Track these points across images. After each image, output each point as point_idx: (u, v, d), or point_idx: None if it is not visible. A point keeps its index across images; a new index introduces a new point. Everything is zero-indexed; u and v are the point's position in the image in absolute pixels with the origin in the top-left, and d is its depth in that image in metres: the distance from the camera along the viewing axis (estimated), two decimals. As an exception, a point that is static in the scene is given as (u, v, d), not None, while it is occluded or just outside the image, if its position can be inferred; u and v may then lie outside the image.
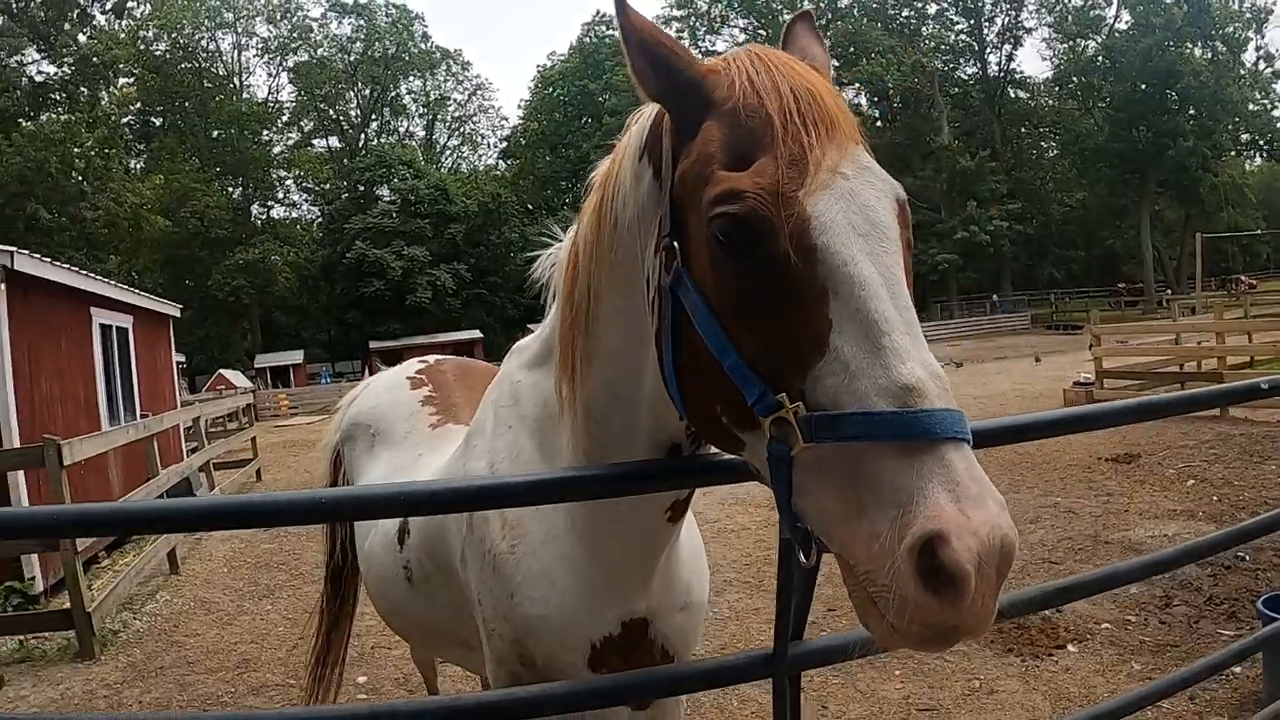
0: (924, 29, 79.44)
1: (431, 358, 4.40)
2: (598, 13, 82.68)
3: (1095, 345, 19.28)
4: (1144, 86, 68.75)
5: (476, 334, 68.71)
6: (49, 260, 12.72)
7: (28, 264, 11.26)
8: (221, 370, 53.75)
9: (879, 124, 79.59)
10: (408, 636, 3.82)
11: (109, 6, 43.41)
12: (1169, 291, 66.27)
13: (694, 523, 2.65)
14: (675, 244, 1.66)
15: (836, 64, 78.22)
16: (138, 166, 66.85)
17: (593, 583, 2.23)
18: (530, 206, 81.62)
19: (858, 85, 77.11)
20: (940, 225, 69.65)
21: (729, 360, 1.53)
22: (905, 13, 78.42)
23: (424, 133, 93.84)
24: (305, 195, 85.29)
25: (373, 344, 64.13)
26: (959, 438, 1.33)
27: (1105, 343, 19.61)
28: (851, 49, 74.65)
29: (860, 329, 1.41)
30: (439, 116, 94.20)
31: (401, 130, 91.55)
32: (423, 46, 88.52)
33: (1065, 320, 58.04)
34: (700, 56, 1.75)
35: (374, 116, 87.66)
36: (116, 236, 46.07)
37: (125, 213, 42.17)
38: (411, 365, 4.29)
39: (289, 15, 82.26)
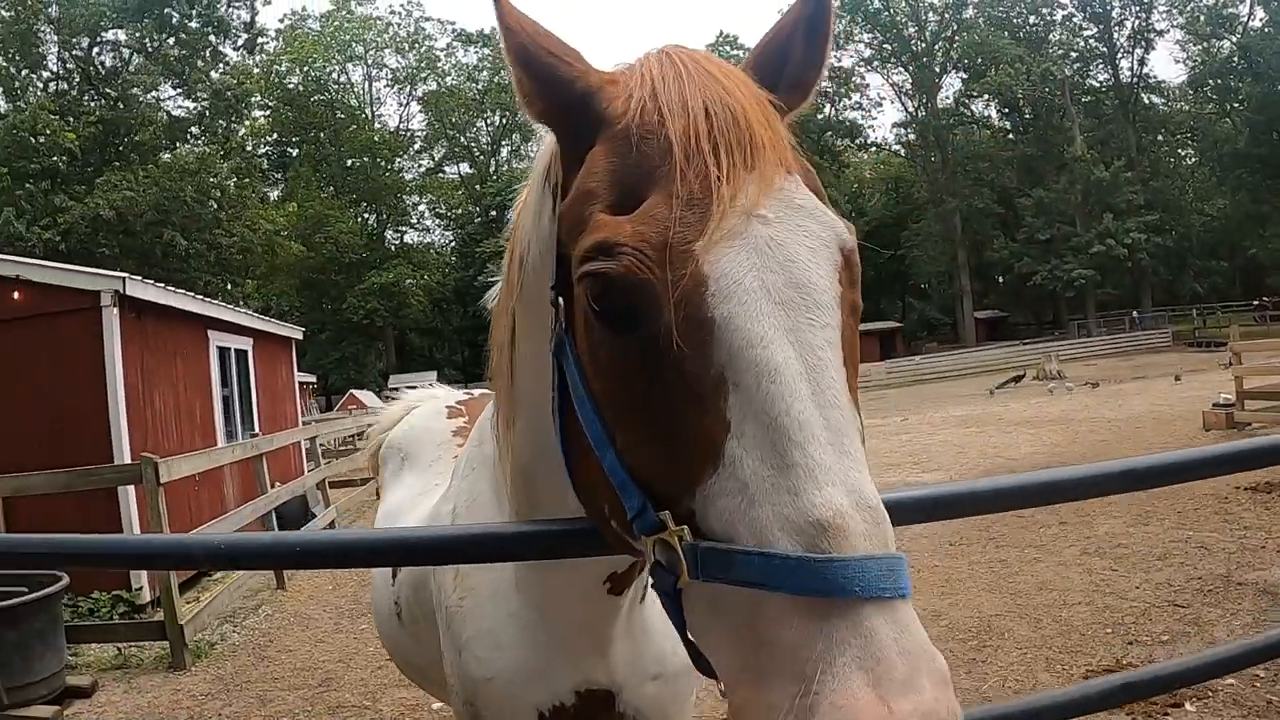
0: (1051, 36, 76.84)
1: (477, 391, 4.33)
2: (721, 33, 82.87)
3: (1235, 364, 18.24)
4: (1282, 86, 65.10)
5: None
6: (161, 285, 13.32)
7: (139, 289, 11.74)
8: (353, 391, 55.24)
9: (1010, 136, 77.59)
10: (405, 674, 3.61)
11: (240, 44, 45.66)
12: (1318, 305, 62.53)
13: None
14: (560, 300, 1.37)
15: (964, 75, 76.89)
16: (274, 195, 69.52)
17: (539, 646, 1.99)
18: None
19: (987, 97, 75.36)
20: (1075, 239, 67.40)
21: (607, 459, 1.26)
22: (1032, 20, 76.14)
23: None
24: (438, 220, 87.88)
25: (505, 366, 65.20)
26: (885, 596, 1.03)
27: (1247, 360, 18.54)
28: (979, 60, 73.13)
29: (765, 435, 1.11)
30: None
31: (532, 155, 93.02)
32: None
33: (1209, 336, 55.21)
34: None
35: (504, 142, 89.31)
36: (251, 262, 47.84)
37: (260, 239, 43.86)
38: (454, 395, 4.24)
39: (416, 46, 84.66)
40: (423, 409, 4.20)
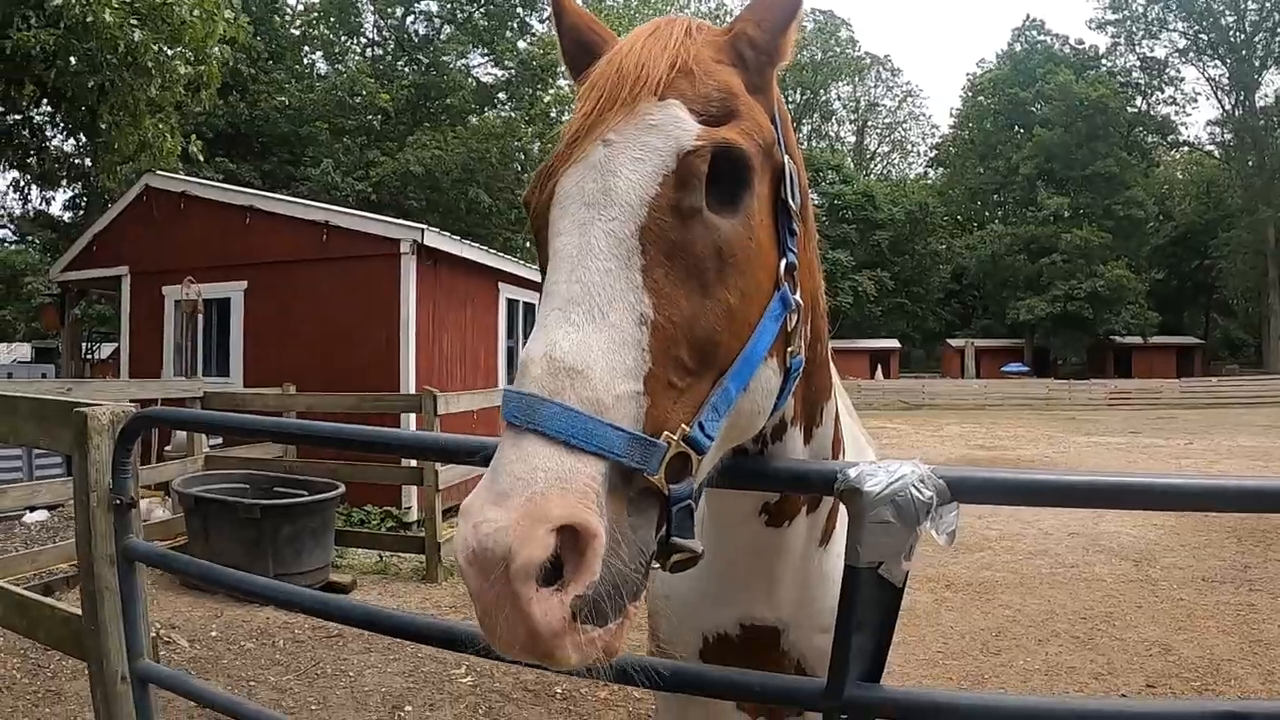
0: None
1: None
2: (1028, 17, 78.66)
3: None
4: None
5: (894, 344, 68.19)
6: (457, 238, 14.46)
7: (436, 240, 12.93)
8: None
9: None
10: None
11: (546, 15, 47.72)
12: None
13: None
14: None
15: None
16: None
17: (711, 574, 2.06)
18: (959, 218, 79.64)
19: None
20: None
21: None
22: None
23: (854, 138, 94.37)
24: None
25: (791, 345, 65.19)
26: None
27: None
28: None
29: (542, 300, 1.38)
30: (869, 122, 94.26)
31: (832, 135, 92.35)
32: (851, 52, 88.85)
33: None
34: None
35: (805, 121, 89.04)
36: (549, 221, 49.96)
37: (559, 201, 45.77)
38: None
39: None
40: None
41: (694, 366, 1.36)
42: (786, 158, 1.60)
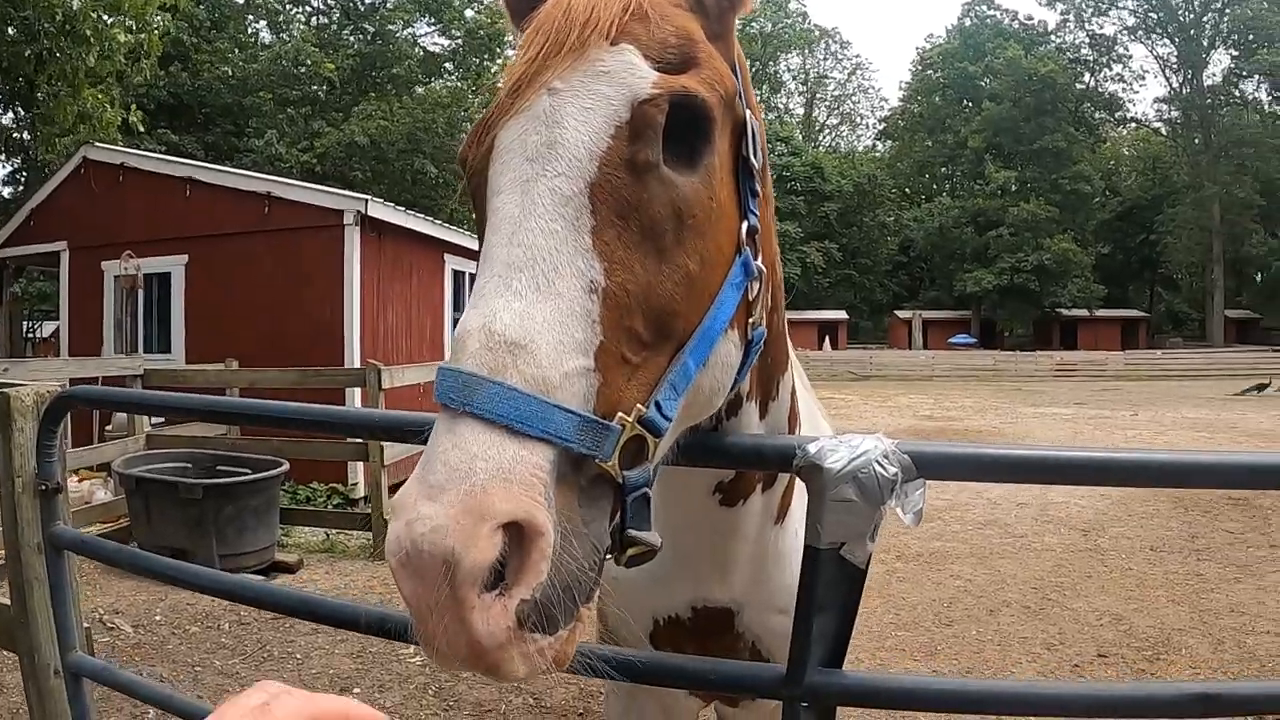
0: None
1: None
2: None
3: None
4: None
5: (842, 315, 68.72)
6: (402, 209, 14.24)
7: (380, 210, 12.71)
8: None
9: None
10: None
11: (493, -17, 47.13)
12: None
13: None
14: None
15: (1234, 52, 68.87)
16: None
17: (663, 557, 1.80)
18: (907, 190, 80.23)
19: (1258, 77, 68.37)
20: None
21: None
22: (1309, -8, 67.14)
23: (803, 111, 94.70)
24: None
25: (735, 315, 65.78)
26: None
27: None
28: (1250, 36, 66.02)
29: (480, 268, 1.24)
30: (818, 95, 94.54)
31: (780, 106, 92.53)
32: (800, 24, 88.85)
33: None
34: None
35: (755, 93, 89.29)
36: (496, 192, 49.77)
37: (504, 172, 45.52)
38: None
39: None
40: None
41: (650, 339, 1.24)
42: (748, 112, 1.48)
